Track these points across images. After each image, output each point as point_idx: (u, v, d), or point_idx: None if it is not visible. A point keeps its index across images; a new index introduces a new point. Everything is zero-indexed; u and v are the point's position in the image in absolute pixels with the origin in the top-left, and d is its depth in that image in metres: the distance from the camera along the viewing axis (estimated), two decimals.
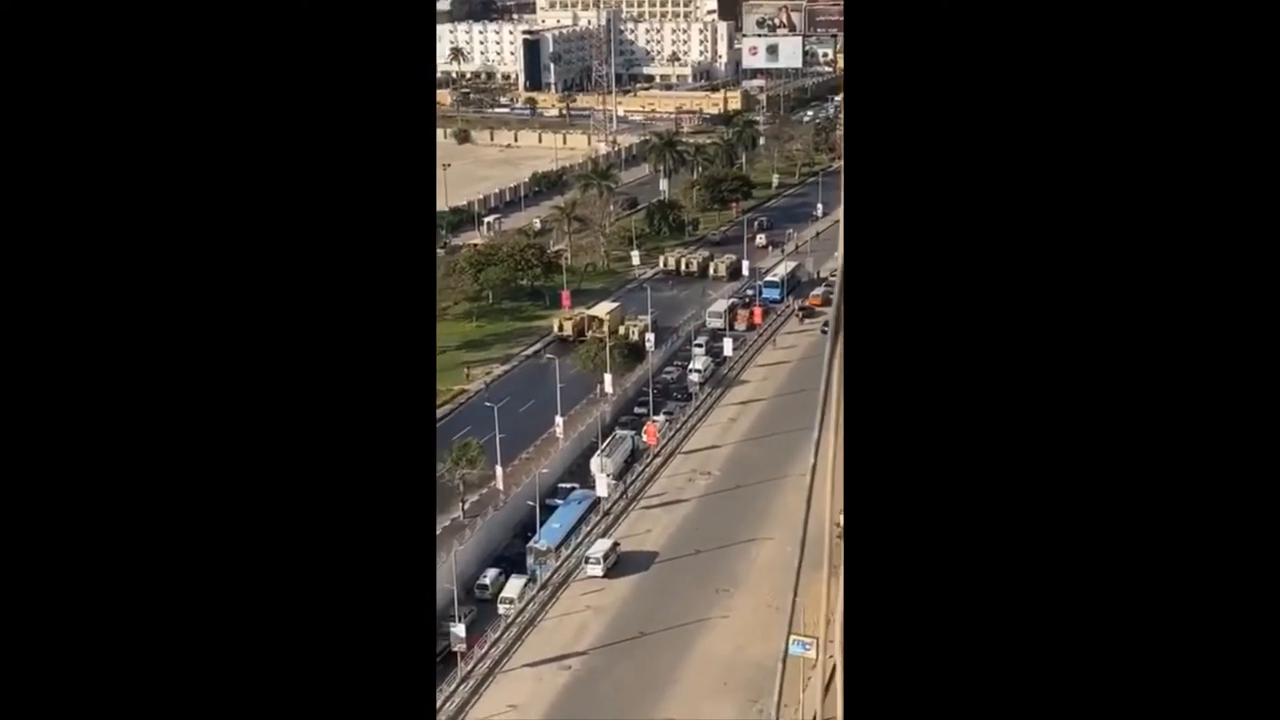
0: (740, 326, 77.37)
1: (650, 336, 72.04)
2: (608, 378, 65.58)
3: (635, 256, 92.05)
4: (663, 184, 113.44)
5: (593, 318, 76.54)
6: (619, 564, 49.05)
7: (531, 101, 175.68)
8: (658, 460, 58.91)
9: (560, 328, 76.61)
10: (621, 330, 74.40)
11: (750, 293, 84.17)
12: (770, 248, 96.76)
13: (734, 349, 72.76)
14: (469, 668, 42.03)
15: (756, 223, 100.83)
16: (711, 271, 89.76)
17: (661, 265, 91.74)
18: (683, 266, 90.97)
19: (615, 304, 79.47)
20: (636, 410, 64.49)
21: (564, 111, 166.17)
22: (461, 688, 41.15)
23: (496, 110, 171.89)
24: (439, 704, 39.98)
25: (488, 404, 58.51)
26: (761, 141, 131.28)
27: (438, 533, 49.16)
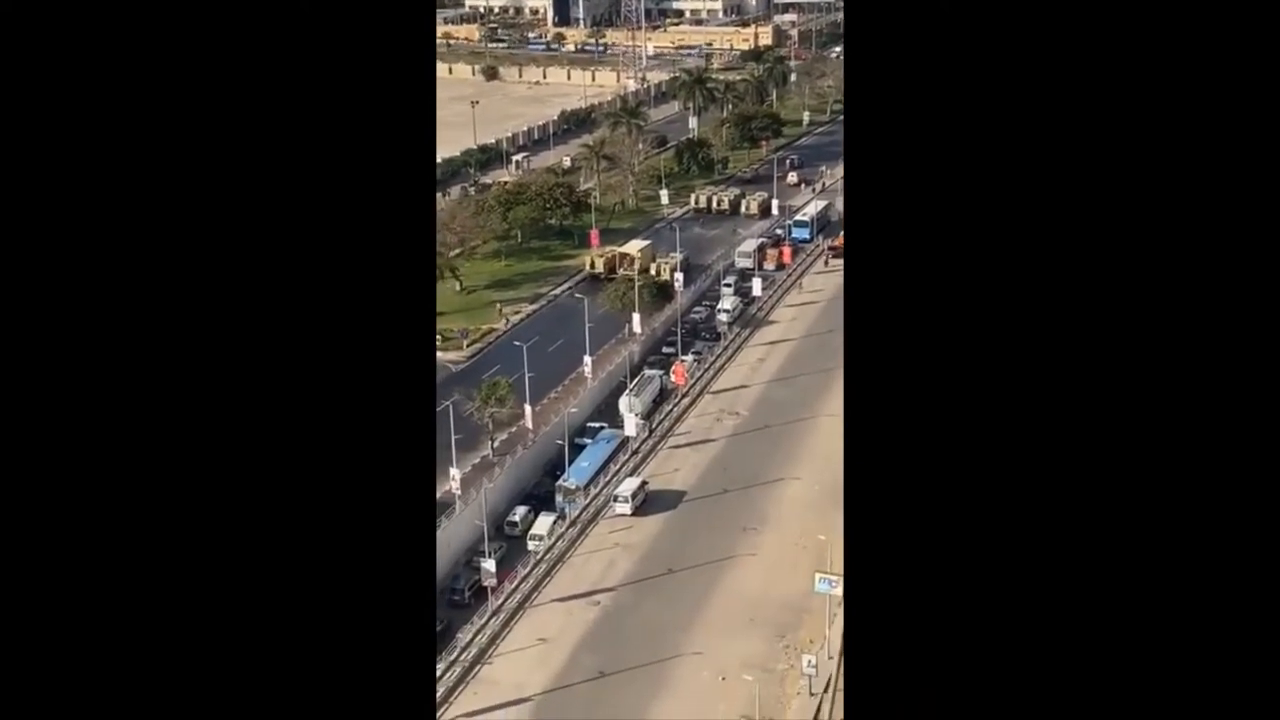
0: (769, 266, 77.07)
1: (679, 276, 71.90)
2: (636, 317, 65.65)
3: (664, 195, 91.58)
4: (692, 122, 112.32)
5: (624, 255, 76.44)
6: (647, 502, 49.54)
7: (559, 37, 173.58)
8: (686, 400, 59.17)
9: (591, 265, 76.61)
10: (652, 269, 74.29)
11: (779, 232, 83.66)
12: (802, 185, 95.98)
13: (763, 288, 72.57)
14: (499, 602, 42.79)
15: (788, 161, 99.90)
16: (743, 209, 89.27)
17: (692, 203, 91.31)
18: (713, 205, 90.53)
19: (646, 242, 79.30)
20: (665, 350, 64.61)
21: (580, 47, 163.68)
22: (492, 621, 41.94)
23: (492, 44, 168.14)
24: (471, 636, 40.85)
25: (516, 343, 58.75)
26: (793, 78, 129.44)
27: (466, 471, 49.78)
